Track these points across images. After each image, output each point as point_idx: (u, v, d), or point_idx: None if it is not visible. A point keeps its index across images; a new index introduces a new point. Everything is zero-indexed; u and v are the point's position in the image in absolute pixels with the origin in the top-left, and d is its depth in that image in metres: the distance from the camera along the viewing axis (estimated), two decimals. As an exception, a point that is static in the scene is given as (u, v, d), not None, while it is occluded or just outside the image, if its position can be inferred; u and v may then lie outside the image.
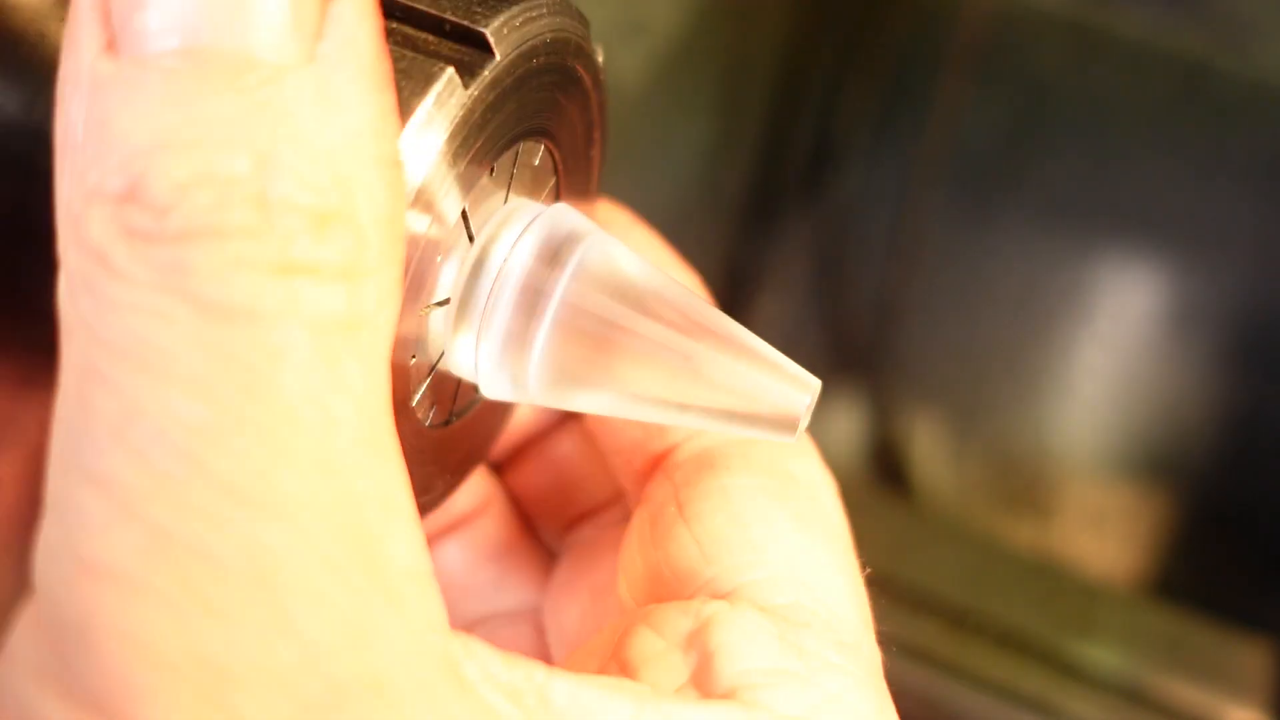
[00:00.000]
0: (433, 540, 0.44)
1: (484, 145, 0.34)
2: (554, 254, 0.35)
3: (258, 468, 0.23)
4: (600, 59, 0.39)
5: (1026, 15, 1.01)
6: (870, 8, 1.06)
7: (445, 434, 0.39)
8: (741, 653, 0.31)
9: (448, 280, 0.35)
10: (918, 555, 0.89)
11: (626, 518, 0.40)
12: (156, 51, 0.24)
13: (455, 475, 0.40)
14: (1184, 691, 0.85)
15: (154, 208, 0.23)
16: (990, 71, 1.01)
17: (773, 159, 1.08)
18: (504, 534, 0.44)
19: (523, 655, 0.28)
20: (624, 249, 0.35)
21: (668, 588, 0.35)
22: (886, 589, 0.90)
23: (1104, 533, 1.04)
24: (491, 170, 0.36)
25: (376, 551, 0.24)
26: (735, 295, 1.08)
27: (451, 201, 0.34)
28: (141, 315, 0.23)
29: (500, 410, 0.42)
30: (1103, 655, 0.86)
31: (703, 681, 0.31)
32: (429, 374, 0.37)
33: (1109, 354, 1.04)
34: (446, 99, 0.32)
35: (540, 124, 0.37)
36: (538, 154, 0.38)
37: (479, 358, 0.36)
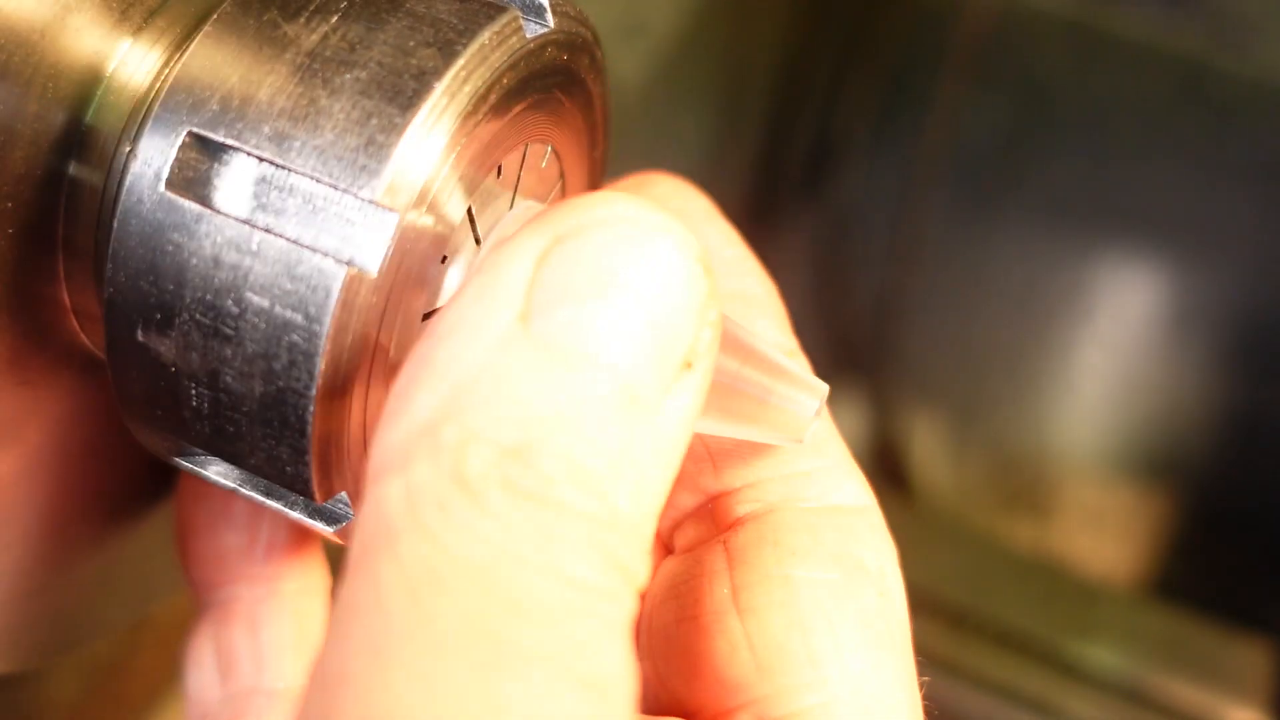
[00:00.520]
0: None
1: (489, 145, 0.35)
2: None
3: (540, 696, 0.26)
4: (601, 60, 0.39)
5: (1026, 15, 1.01)
6: (870, 8, 1.06)
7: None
8: None
9: (449, 281, 0.35)
10: (918, 555, 0.89)
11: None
12: (561, 342, 0.28)
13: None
14: (1184, 691, 0.85)
15: (540, 474, 0.27)
16: (990, 71, 1.01)
17: (773, 159, 1.08)
18: None
19: None
20: None
21: (708, 688, 0.33)
22: (887, 589, 0.89)
23: (1104, 533, 1.04)
24: (498, 171, 0.36)
25: None
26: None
27: (457, 202, 0.34)
28: (505, 559, 0.26)
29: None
30: (1103, 655, 0.86)
31: None
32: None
33: (1109, 354, 1.04)
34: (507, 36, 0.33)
35: (545, 125, 0.37)
36: (544, 155, 0.38)
37: None
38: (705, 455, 0.37)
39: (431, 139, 0.32)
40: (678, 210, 0.39)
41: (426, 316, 0.35)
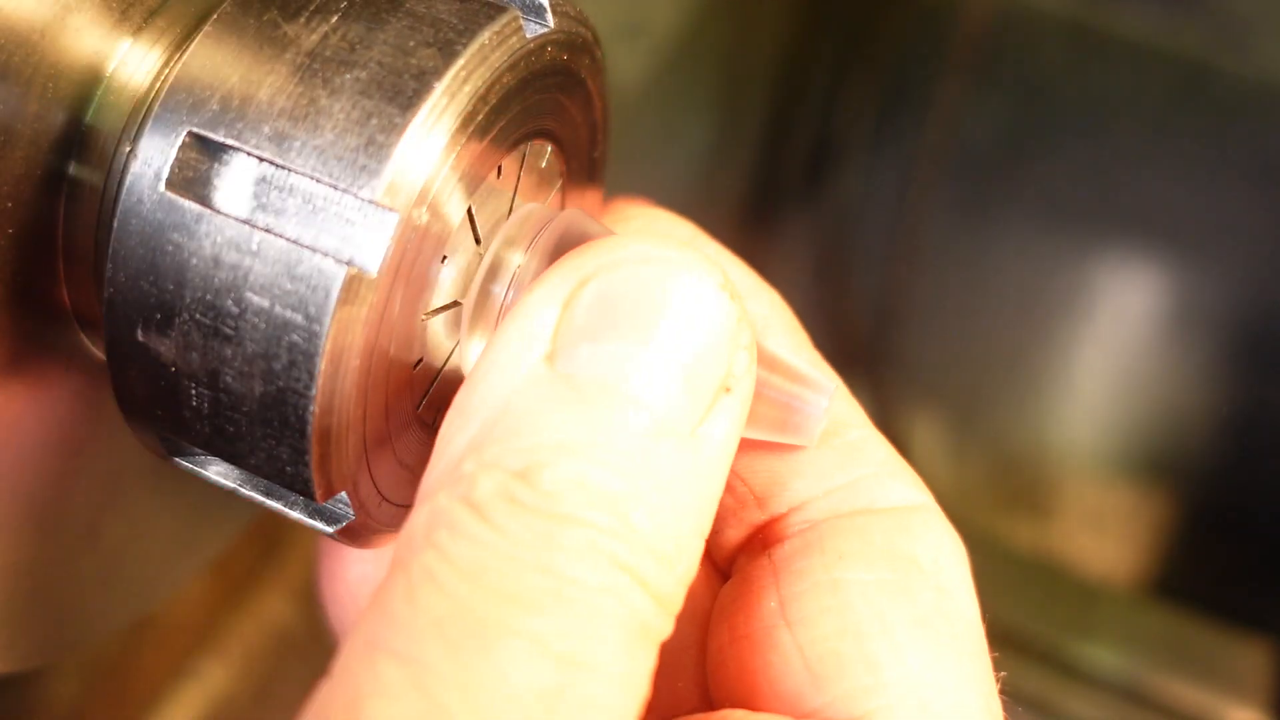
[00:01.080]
0: None
1: (489, 145, 0.35)
2: None
3: (548, 693, 0.27)
4: (601, 60, 0.39)
5: (1026, 15, 1.01)
6: (870, 8, 1.06)
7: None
8: None
9: (449, 281, 0.35)
10: (918, 555, 0.89)
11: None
12: (585, 378, 0.30)
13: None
14: (1184, 691, 0.85)
15: (541, 491, 0.29)
16: (990, 71, 1.01)
17: (773, 159, 1.08)
18: None
19: None
20: None
21: (766, 704, 0.33)
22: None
23: (1104, 533, 1.04)
24: (498, 171, 0.36)
25: None
26: (735, 295, 1.08)
27: (456, 202, 0.34)
28: (499, 558, 0.28)
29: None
30: (1103, 655, 0.86)
31: None
32: (435, 378, 0.37)
33: (1109, 354, 1.04)
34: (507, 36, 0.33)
35: (545, 125, 0.37)
36: (544, 155, 0.38)
37: None
38: (747, 490, 0.37)
39: (432, 139, 0.32)
40: (661, 228, 0.39)
41: (428, 316, 0.35)
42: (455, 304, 0.36)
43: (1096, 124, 1.00)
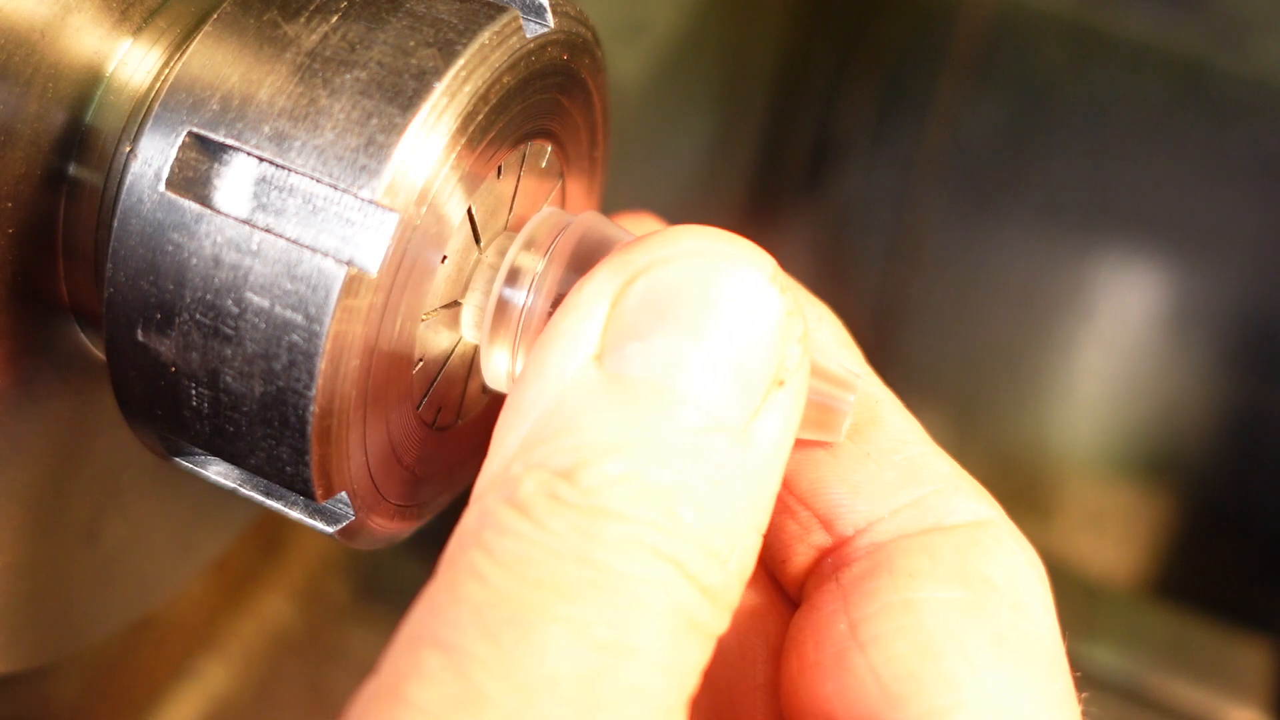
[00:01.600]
0: None
1: (489, 145, 0.35)
2: (585, 263, 0.35)
3: (587, 678, 0.28)
4: (601, 60, 0.39)
5: (1026, 15, 1.01)
6: (870, 8, 1.06)
7: (451, 434, 0.39)
8: None
9: (449, 281, 0.35)
10: (918, 555, 0.89)
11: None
12: (633, 377, 0.30)
13: (460, 470, 0.40)
14: (1184, 691, 0.85)
15: (583, 488, 0.29)
16: (990, 71, 1.01)
17: (773, 159, 1.08)
18: None
19: None
20: None
21: None
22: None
23: (1104, 533, 1.04)
24: (499, 171, 0.36)
25: None
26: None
27: (457, 202, 0.34)
28: (540, 551, 0.28)
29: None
30: (1103, 655, 0.86)
31: None
32: (435, 378, 0.37)
33: (1109, 354, 1.04)
34: (507, 36, 0.33)
35: (545, 125, 0.37)
36: (544, 155, 0.38)
37: (516, 367, 0.36)
38: (811, 514, 0.36)
39: (432, 139, 0.32)
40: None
41: (428, 316, 0.35)
42: (455, 304, 0.36)
43: (1096, 124, 1.00)
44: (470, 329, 0.37)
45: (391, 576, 0.89)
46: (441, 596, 0.29)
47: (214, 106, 0.33)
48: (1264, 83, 0.95)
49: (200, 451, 0.36)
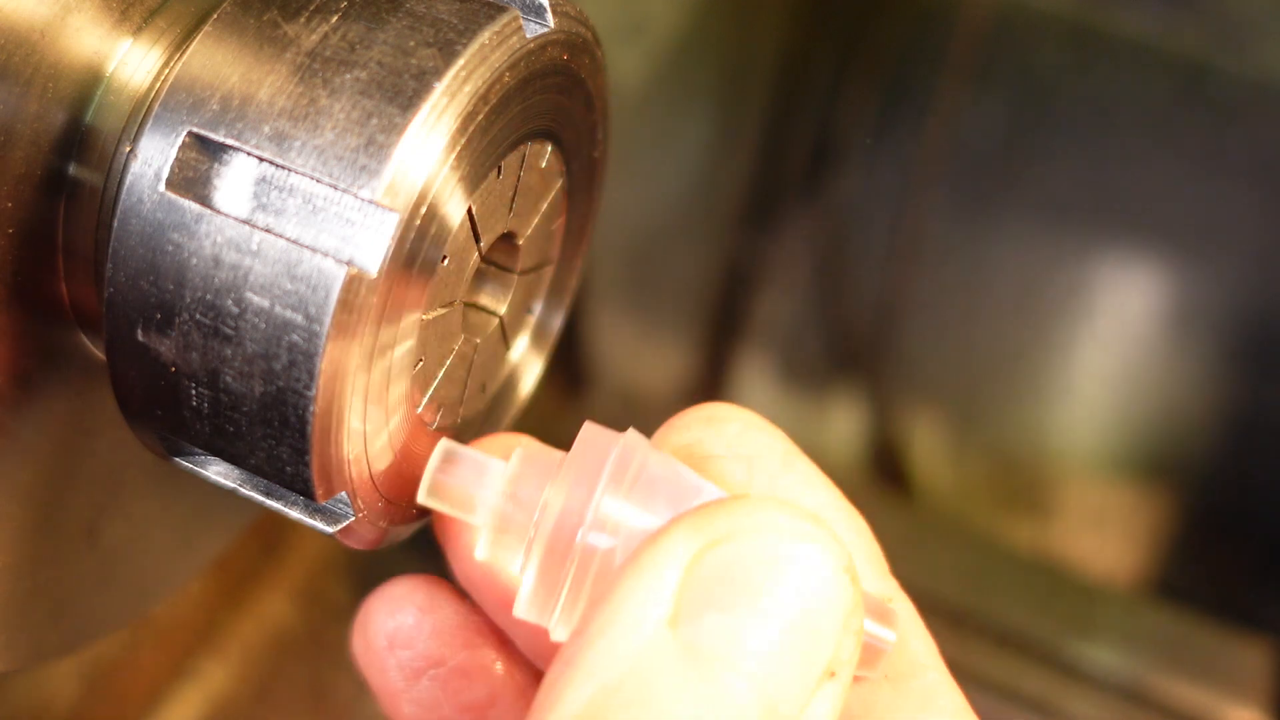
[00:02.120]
0: None
1: (489, 145, 0.34)
2: (648, 501, 0.34)
3: None
4: (602, 60, 0.39)
5: (1026, 15, 1.01)
6: (870, 8, 1.06)
7: (451, 433, 0.39)
8: None
9: (449, 281, 0.35)
10: (918, 555, 0.89)
11: None
12: (708, 652, 0.30)
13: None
14: (1184, 691, 0.85)
15: None
16: (990, 72, 1.01)
17: (773, 159, 1.08)
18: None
19: None
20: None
21: None
22: (887, 589, 0.89)
23: (1104, 533, 1.04)
24: (499, 171, 0.36)
25: None
26: (735, 295, 1.08)
27: (457, 202, 0.34)
28: None
29: (504, 407, 0.42)
30: (1103, 655, 0.86)
31: None
32: (435, 378, 0.37)
33: (1109, 354, 1.04)
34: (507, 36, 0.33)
35: (545, 125, 0.37)
36: (544, 155, 0.38)
37: (559, 603, 0.35)
38: None
39: (432, 139, 0.32)
40: (753, 449, 0.38)
41: (428, 316, 0.35)
42: (455, 304, 0.36)
43: (1096, 124, 1.00)
44: (488, 549, 0.35)
45: (391, 576, 0.89)
46: None
47: (214, 106, 0.33)
48: (1264, 83, 0.95)
49: (200, 451, 0.36)
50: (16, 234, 0.35)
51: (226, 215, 0.33)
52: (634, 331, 1.05)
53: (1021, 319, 1.05)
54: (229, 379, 0.33)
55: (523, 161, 0.37)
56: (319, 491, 0.34)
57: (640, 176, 0.94)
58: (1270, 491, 1.01)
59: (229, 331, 0.33)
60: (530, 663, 0.40)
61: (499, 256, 0.39)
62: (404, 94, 0.32)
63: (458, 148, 0.33)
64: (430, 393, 0.37)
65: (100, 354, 0.38)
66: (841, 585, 0.31)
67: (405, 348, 0.35)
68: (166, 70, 0.36)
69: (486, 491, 0.34)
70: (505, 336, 0.41)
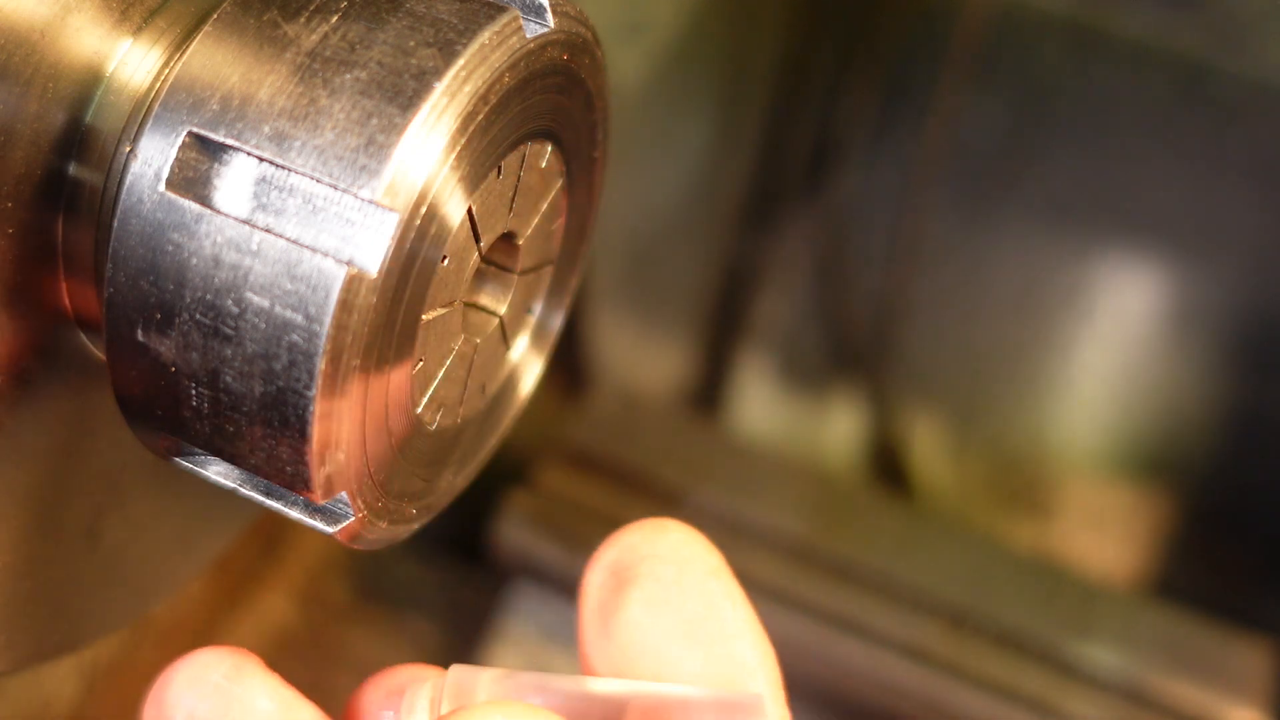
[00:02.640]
0: None
1: (489, 145, 0.35)
2: None
3: None
4: (602, 60, 0.39)
5: (1026, 15, 1.01)
6: (870, 8, 1.06)
7: (451, 433, 0.39)
8: None
9: (449, 281, 0.35)
10: (918, 555, 0.89)
11: None
12: None
13: (460, 467, 0.40)
14: (1184, 691, 0.85)
15: None
16: (990, 71, 1.01)
17: (773, 159, 1.08)
18: None
19: None
20: None
21: None
22: (886, 589, 0.90)
23: (1104, 532, 1.04)
24: (499, 171, 0.36)
25: None
26: (735, 295, 1.08)
27: (457, 202, 0.34)
28: None
29: (504, 407, 0.42)
30: (1102, 655, 0.86)
31: None
32: (435, 378, 0.37)
33: (1109, 353, 1.04)
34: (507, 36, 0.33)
35: (545, 125, 0.37)
36: (544, 155, 0.38)
37: None
38: None
39: (432, 139, 0.32)
40: (683, 562, 0.39)
41: (428, 316, 0.35)
42: (455, 304, 0.36)
43: (1097, 124, 1.00)
44: None
45: (391, 576, 0.89)
46: None
47: (214, 106, 0.33)
48: (1264, 83, 0.95)
49: (200, 451, 0.36)
50: (16, 234, 0.35)
51: (226, 215, 0.33)
52: (634, 331, 1.05)
53: (1021, 319, 1.05)
54: (229, 379, 0.33)
55: (523, 161, 0.37)
56: (319, 491, 0.34)
57: (640, 176, 0.94)
58: (1270, 491, 1.01)
59: (229, 331, 0.33)
60: None
61: (499, 256, 0.39)
62: (404, 94, 0.32)
63: (458, 148, 0.33)
64: (430, 393, 0.37)
65: (100, 354, 0.38)
66: None
67: (405, 347, 0.35)
68: (166, 70, 0.36)
69: None
70: (505, 336, 0.41)
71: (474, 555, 0.87)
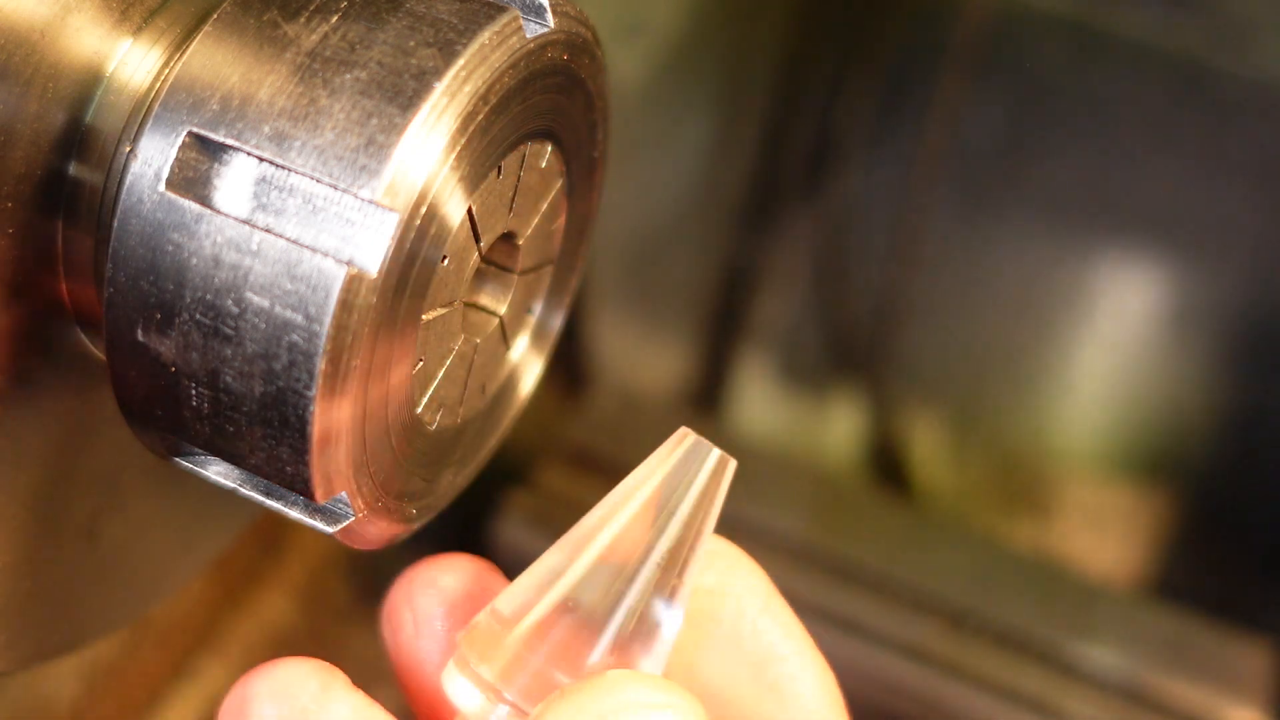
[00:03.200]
0: None
1: (489, 145, 0.35)
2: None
3: None
4: (601, 59, 0.39)
5: (1026, 15, 1.01)
6: (870, 7, 1.06)
7: (451, 433, 0.39)
8: None
9: (449, 281, 0.35)
10: (918, 555, 0.89)
11: None
12: None
13: (461, 467, 0.40)
14: (1184, 691, 0.85)
15: None
16: (990, 71, 1.01)
17: (773, 159, 1.08)
18: None
19: None
20: None
21: None
22: (886, 589, 0.90)
23: (1104, 533, 1.04)
24: (499, 171, 0.36)
25: None
26: (735, 295, 1.08)
27: (457, 202, 0.34)
28: None
29: (504, 407, 0.42)
30: (1103, 655, 0.86)
31: None
32: (435, 378, 0.37)
33: (1109, 354, 1.04)
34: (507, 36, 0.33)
35: (545, 125, 0.37)
36: (544, 155, 0.38)
37: None
38: None
39: (432, 139, 0.32)
40: (736, 590, 0.39)
41: (428, 316, 0.35)
42: (455, 304, 0.36)
43: (1097, 123, 1.00)
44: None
45: (391, 576, 0.89)
46: None
47: (214, 106, 0.33)
48: (1264, 83, 0.95)
49: (200, 451, 0.36)
50: (16, 234, 0.35)
51: (226, 215, 0.33)
52: (634, 331, 1.05)
53: (1021, 319, 1.05)
54: (229, 379, 0.33)
55: (523, 161, 0.37)
56: (319, 491, 0.34)
57: (640, 176, 0.94)
58: (1270, 491, 1.01)
59: (229, 331, 0.33)
60: None
61: (499, 256, 0.39)
62: (404, 94, 0.32)
63: (458, 148, 0.33)
64: (430, 393, 0.37)
65: (100, 354, 0.38)
66: None
67: (405, 347, 0.35)
68: (166, 70, 0.36)
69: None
70: (505, 336, 0.41)
71: (474, 555, 0.86)
